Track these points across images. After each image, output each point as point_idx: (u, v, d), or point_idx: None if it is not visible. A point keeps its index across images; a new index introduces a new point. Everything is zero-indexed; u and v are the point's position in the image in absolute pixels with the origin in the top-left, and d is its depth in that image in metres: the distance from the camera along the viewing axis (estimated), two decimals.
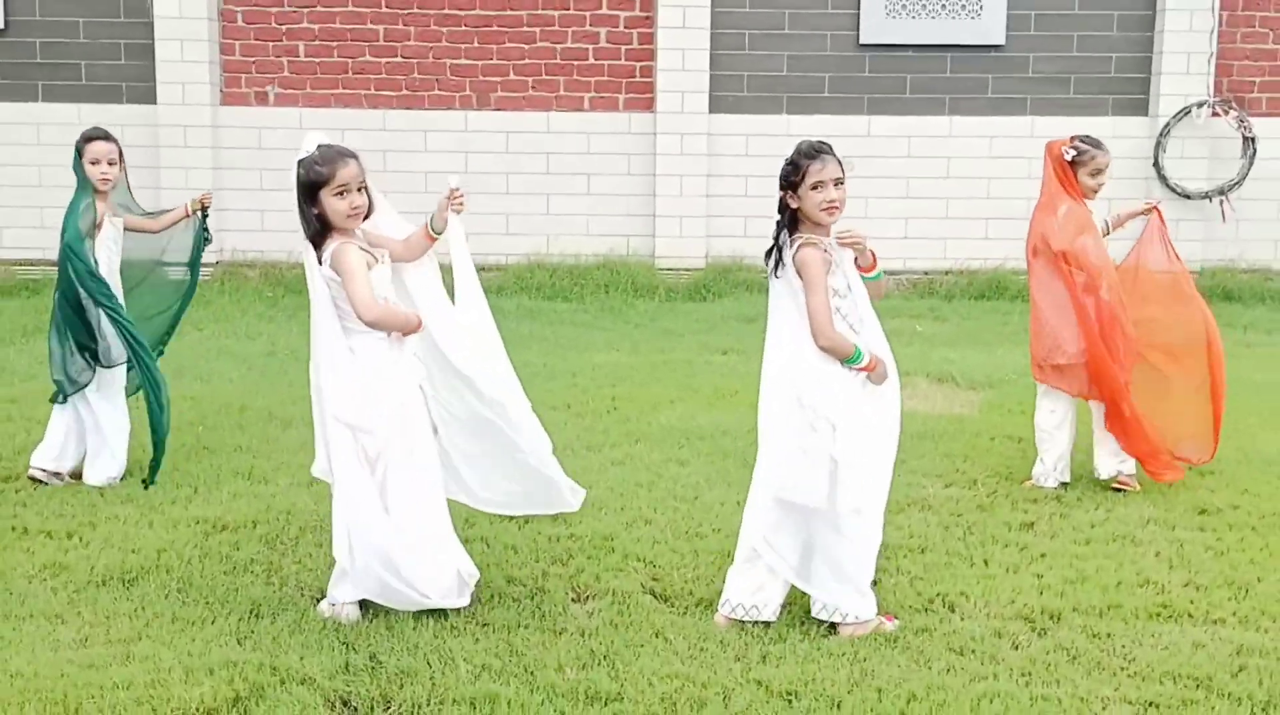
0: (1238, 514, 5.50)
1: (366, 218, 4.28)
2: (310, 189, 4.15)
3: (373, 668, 3.85)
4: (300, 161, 4.16)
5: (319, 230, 4.19)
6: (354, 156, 4.21)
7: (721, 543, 4.99)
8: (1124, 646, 4.12)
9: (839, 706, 3.66)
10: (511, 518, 5.26)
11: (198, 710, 3.57)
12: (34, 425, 6.57)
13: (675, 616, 4.32)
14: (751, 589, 4.28)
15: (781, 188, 4.23)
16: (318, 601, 4.36)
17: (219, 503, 5.49)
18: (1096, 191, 5.87)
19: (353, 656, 3.92)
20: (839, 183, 4.18)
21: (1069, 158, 5.80)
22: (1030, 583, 4.66)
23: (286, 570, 4.69)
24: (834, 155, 4.19)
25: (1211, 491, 5.83)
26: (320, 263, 4.19)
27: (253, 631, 4.12)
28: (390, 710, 3.64)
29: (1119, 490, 5.83)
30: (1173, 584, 4.68)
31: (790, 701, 3.70)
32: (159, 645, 3.99)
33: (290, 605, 4.34)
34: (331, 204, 4.15)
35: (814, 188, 4.16)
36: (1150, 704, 3.72)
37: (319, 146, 4.19)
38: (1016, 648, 4.12)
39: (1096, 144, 5.87)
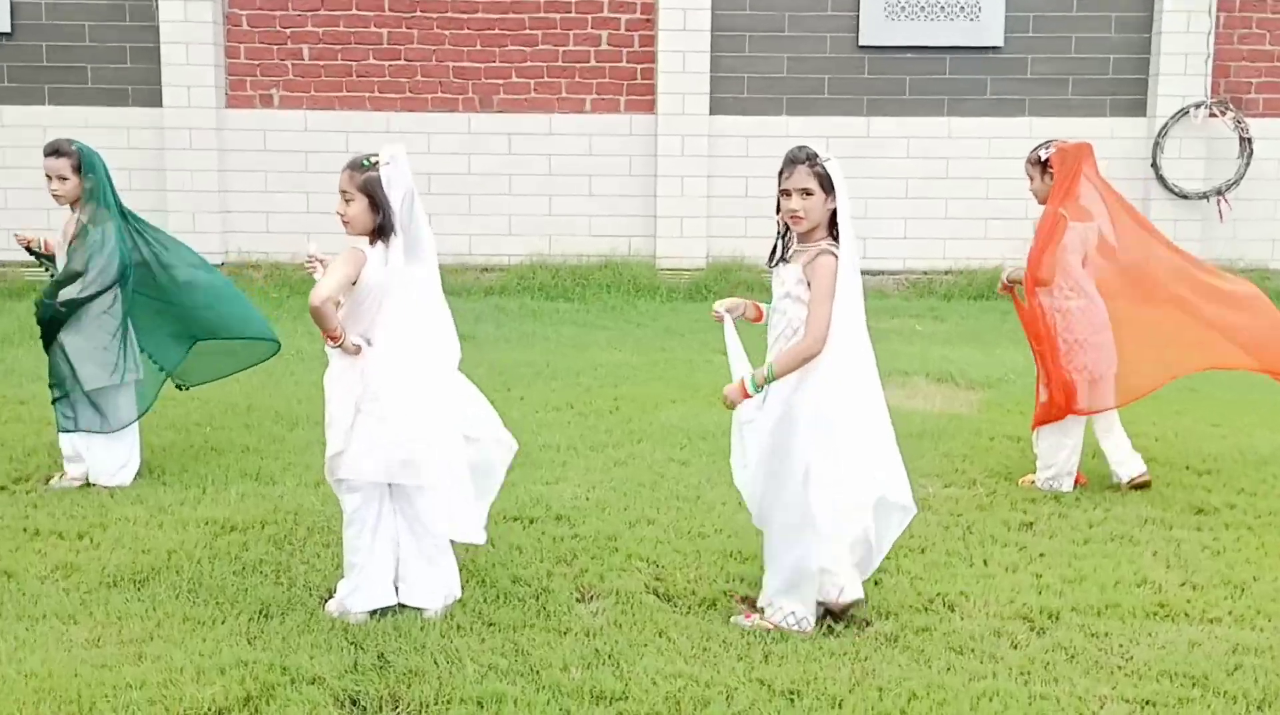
0: (1234, 513, 5.53)
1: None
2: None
3: (381, 667, 3.88)
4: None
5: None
6: None
7: (724, 543, 5.02)
8: (1121, 645, 4.15)
9: (840, 705, 3.69)
10: (516, 518, 5.31)
11: (210, 710, 3.60)
12: (43, 426, 6.60)
13: (679, 616, 4.34)
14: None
15: None
16: (325, 601, 4.39)
17: (227, 504, 5.52)
18: None
19: (361, 656, 3.95)
20: (807, 193, 4.07)
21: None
22: (1029, 582, 4.69)
23: (295, 570, 4.71)
24: (806, 163, 4.07)
25: (1208, 491, 5.86)
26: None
27: (262, 631, 4.15)
28: (398, 709, 3.66)
29: (1140, 487, 5.85)
30: (1170, 583, 4.70)
31: (792, 700, 3.72)
32: (170, 645, 4.02)
33: (299, 605, 4.37)
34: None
35: (782, 194, 4.16)
36: (1147, 702, 3.74)
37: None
38: (1015, 647, 4.14)
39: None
